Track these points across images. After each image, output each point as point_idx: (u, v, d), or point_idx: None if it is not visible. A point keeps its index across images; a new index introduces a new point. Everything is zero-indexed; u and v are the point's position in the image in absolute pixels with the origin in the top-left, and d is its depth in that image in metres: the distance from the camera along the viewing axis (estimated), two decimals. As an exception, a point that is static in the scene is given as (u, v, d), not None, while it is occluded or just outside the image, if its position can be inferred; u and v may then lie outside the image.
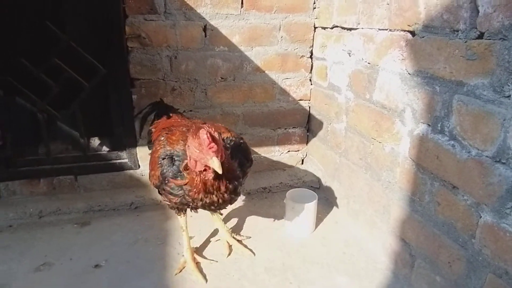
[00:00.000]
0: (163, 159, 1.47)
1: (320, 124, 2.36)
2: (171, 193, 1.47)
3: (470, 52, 1.19)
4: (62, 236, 1.98)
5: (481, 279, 1.21)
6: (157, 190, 1.62)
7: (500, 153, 1.10)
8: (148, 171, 1.64)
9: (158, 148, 1.54)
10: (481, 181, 1.17)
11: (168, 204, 1.59)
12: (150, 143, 1.86)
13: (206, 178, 1.32)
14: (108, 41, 2.04)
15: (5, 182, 2.16)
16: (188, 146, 1.27)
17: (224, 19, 2.15)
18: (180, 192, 1.44)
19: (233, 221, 2.10)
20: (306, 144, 2.57)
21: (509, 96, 1.07)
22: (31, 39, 2.00)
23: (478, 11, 1.15)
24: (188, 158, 1.31)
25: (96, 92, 2.14)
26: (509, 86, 1.06)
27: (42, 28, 1.96)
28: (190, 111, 2.27)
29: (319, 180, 2.43)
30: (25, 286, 1.61)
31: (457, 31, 1.23)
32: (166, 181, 1.45)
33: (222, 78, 2.26)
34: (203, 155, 1.23)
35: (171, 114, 1.89)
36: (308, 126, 2.53)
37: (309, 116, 2.50)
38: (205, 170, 1.30)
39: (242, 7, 2.15)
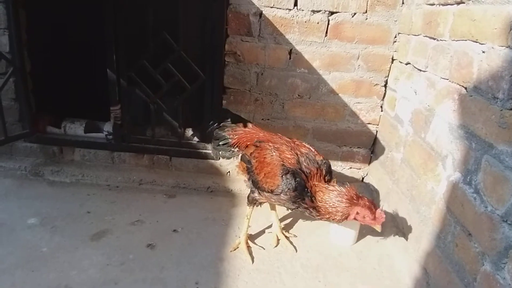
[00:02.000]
0: (285, 174, 1.81)
1: (382, 149, 2.54)
2: (273, 197, 1.89)
3: (502, 120, 1.33)
4: (153, 202, 2.52)
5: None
6: (252, 188, 2.00)
7: (507, 214, 1.26)
8: (256, 172, 1.94)
9: (276, 162, 1.86)
10: (488, 234, 1.33)
11: (257, 199, 1.99)
12: (223, 145, 2.19)
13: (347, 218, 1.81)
14: (210, 54, 2.49)
15: (118, 152, 2.78)
16: (358, 213, 1.78)
17: (308, 45, 2.45)
18: (283, 198, 1.85)
19: (287, 220, 2.43)
20: (368, 164, 2.76)
21: (521, 167, 1.22)
22: (153, 47, 2.48)
23: (515, 85, 1.28)
24: (342, 213, 1.78)
25: (195, 93, 2.59)
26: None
27: (161, 39, 2.44)
28: (268, 119, 2.64)
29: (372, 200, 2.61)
30: (123, 234, 2.15)
31: (497, 98, 1.38)
32: (280, 191, 1.83)
33: (299, 95, 2.58)
34: (370, 221, 1.79)
35: (247, 124, 2.21)
36: (373, 148, 2.72)
37: (375, 140, 2.68)
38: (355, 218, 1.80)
39: (326, 36, 2.42)
